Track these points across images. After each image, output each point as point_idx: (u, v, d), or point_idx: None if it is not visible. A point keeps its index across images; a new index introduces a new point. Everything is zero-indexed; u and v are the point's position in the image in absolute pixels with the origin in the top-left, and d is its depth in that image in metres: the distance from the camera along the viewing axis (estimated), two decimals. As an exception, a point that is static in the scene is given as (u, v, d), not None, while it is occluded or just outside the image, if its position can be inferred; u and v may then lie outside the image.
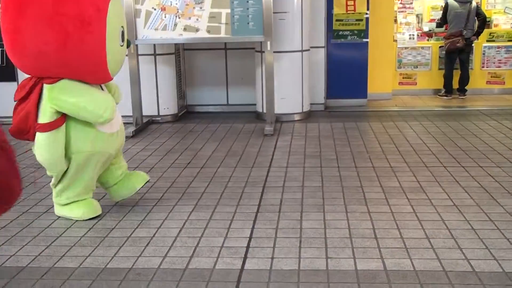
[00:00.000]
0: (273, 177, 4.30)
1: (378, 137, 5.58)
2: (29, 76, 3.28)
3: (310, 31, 6.85)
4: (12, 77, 6.84)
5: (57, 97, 3.15)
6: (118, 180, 3.63)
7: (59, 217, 3.53)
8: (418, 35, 8.30)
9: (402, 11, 8.43)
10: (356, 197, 3.75)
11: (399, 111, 7.09)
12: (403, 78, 8.40)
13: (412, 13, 8.47)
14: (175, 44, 6.81)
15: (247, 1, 5.94)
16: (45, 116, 3.16)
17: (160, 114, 6.75)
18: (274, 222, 3.34)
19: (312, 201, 3.69)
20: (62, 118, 3.21)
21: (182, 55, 7.27)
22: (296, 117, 6.71)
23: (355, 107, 7.35)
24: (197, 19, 6.01)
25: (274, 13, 6.21)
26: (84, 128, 3.27)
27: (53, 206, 3.75)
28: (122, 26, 3.33)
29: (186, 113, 7.33)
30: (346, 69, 7.36)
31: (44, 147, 3.21)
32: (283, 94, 6.59)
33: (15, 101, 3.28)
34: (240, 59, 7.23)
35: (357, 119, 6.61)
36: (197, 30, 6.04)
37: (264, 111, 6.52)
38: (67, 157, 3.30)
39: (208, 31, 6.03)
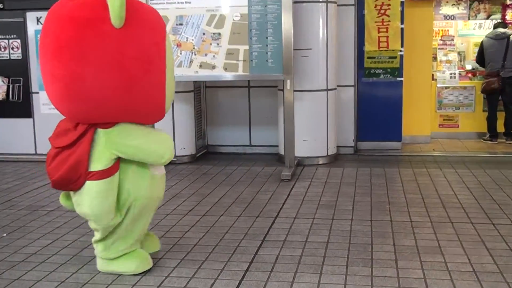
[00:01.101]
0: (276, 229, 4.04)
1: (404, 186, 5.23)
2: (65, 119, 3.11)
3: (337, 68, 6.63)
4: (28, 114, 6.92)
5: (117, 141, 3.02)
6: None
7: (33, 268, 3.38)
8: (460, 73, 7.94)
9: (442, 48, 8.11)
10: (362, 257, 3.43)
11: (435, 156, 6.71)
12: (443, 120, 8.02)
13: (453, 51, 8.14)
14: (195, 82, 6.73)
15: (266, 37, 5.80)
16: (100, 162, 2.99)
17: (176, 154, 6.62)
18: (261, 284, 3.07)
19: (310, 260, 3.40)
20: (117, 164, 3.07)
21: (203, 93, 7.18)
22: (320, 161, 6.44)
23: (388, 150, 7.02)
24: (214, 56, 5.91)
25: (296, 49, 6.08)
26: (141, 172, 3.13)
27: (32, 254, 3.62)
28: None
29: (206, 154, 7.20)
30: (378, 110, 7.08)
31: (96, 196, 3.01)
32: (306, 136, 6.36)
33: (56, 147, 3.06)
34: (264, 98, 7.08)
35: (387, 164, 6.28)
36: (213, 67, 5.93)
37: (286, 153, 6.29)
38: (125, 206, 3.12)
39: (225, 69, 5.91)
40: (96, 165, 3.01)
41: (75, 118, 3.04)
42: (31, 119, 6.94)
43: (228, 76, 5.95)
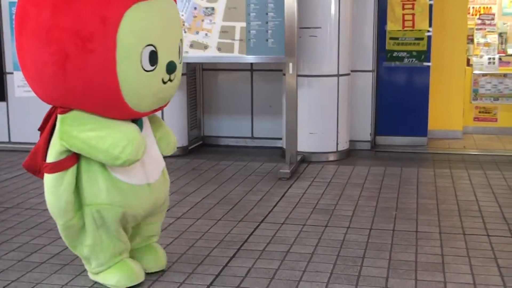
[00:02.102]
0: (257, 237, 3.93)
1: (420, 189, 5.07)
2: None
3: (352, 51, 6.47)
4: (1, 97, 6.92)
5: (66, 131, 2.90)
6: (137, 247, 3.36)
7: (-31, 274, 3.35)
8: (500, 58, 7.71)
9: (480, 29, 7.87)
10: (348, 273, 3.30)
11: (463, 154, 6.51)
12: (479, 112, 7.80)
13: (493, 32, 7.89)
14: (188, 63, 6.62)
15: (266, 13, 5.68)
16: (52, 154, 2.93)
17: (165, 146, 6.56)
18: (222, 302, 2.98)
19: (287, 275, 3.28)
20: (71, 158, 2.93)
21: (199, 77, 7.09)
22: (330, 157, 6.30)
23: (411, 147, 6.85)
24: (206, 34, 5.81)
25: (303, 28, 5.96)
26: (98, 174, 2.97)
27: (-28, 258, 3.60)
28: (151, 45, 2.84)
29: (202, 146, 7.12)
30: (401, 99, 6.93)
31: (49, 191, 2.97)
32: (313, 128, 6.22)
33: (38, 130, 3.14)
34: (269, 83, 6.96)
35: (406, 163, 6.11)
36: (205, 47, 5.83)
37: (289, 148, 6.17)
38: (81, 210, 3.03)
39: (219, 49, 5.81)
40: (50, 157, 2.95)
41: (37, 95, 3.04)
42: (4, 103, 6.95)
43: (222, 57, 5.85)
